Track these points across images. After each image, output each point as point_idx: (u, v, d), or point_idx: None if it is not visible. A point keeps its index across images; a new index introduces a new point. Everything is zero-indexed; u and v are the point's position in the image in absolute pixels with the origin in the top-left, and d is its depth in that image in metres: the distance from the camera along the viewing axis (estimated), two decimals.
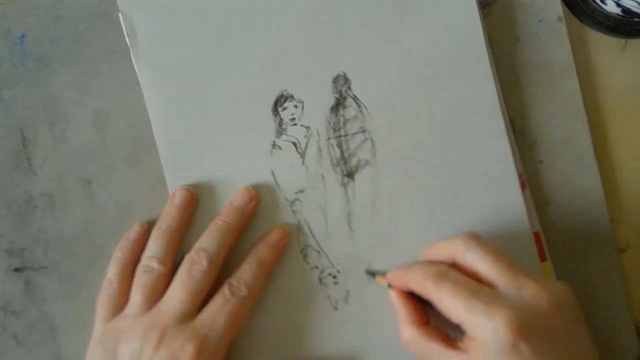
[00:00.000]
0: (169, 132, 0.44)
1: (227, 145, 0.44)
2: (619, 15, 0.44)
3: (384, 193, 0.44)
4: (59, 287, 0.45)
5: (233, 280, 0.41)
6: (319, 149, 0.44)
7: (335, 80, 0.44)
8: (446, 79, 0.44)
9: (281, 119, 0.44)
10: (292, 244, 0.44)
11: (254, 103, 0.44)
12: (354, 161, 0.44)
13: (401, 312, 0.40)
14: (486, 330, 0.35)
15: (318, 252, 0.44)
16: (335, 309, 0.43)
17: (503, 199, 0.43)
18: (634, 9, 0.43)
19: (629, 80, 0.47)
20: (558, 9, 0.46)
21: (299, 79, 0.44)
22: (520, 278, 0.37)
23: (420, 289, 0.39)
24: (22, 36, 0.45)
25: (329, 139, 0.44)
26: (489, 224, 0.43)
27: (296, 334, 0.43)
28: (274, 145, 0.44)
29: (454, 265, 0.39)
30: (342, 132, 0.44)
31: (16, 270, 0.45)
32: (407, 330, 0.40)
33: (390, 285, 0.41)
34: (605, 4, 0.44)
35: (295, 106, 0.44)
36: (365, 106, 0.44)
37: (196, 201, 0.43)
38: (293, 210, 0.44)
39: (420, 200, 0.44)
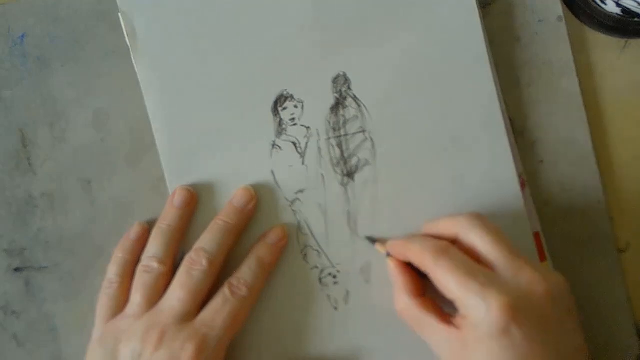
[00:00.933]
0: (169, 132, 0.44)
1: (227, 145, 0.44)
2: (619, 15, 0.44)
3: (384, 193, 0.44)
4: (59, 287, 0.45)
5: (233, 280, 0.41)
6: (319, 148, 0.44)
7: (335, 80, 0.44)
8: (446, 79, 0.44)
9: (281, 119, 0.44)
10: (292, 243, 0.44)
11: (253, 103, 0.44)
12: (354, 161, 0.44)
13: (397, 280, 0.41)
14: (479, 311, 0.35)
15: (318, 252, 0.44)
16: (335, 309, 0.43)
17: (503, 199, 0.43)
18: (634, 9, 0.43)
19: (629, 80, 0.47)
20: (558, 9, 0.46)
21: (299, 78, 0.44)
22: (518, 263, 0.37)
23: (419, 262, 0.39)
24: (22, 36, 0.45)
25: (329, 138, 0.44)
26: None
27: (296, 333, 0.43)
28: (274, 145, 0.44)
29: (455, 243, 0.39)
30: (342, 132, 0.44)
31: (16, 270, 0.45)
32: (403, 299, 0.40)
33: (389, 255, 0.42)
34: (605, 4, 0.44)
35: (295, 106, 0.44)
36: (365, 106, 0.44)
37: (196, 201, 0.43)
38: (293, 210, 0.44)
39: (420, 200, 0.44)
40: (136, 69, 0.44)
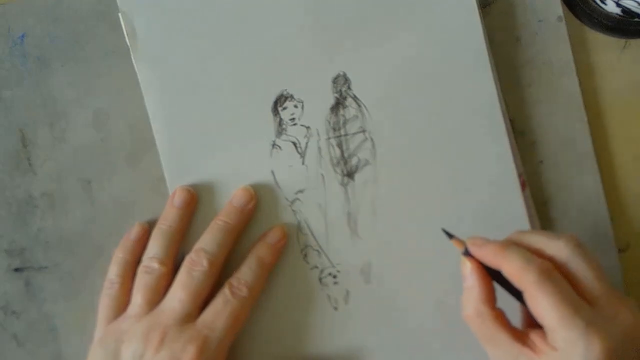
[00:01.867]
0: (169, 132, 0.44)
1: (227, 145, 0.44)
2: (619, 15, 0.44)
3: (384, 193, 0.44)
4: (59, 287, 0.45)
5: (233, 280, 0.41)
6: (319, 148, 0.44)
7: (335, 80, 0.44)
8: (446, 79, 0.44)
9: (281, 119, 0.44)
10: (292, 243, 0.44)
11: (253, 103, 0.44)
12: (354, 161, 0.44)
13: (475, 285, 0.38)
14: (578, 348, 0.34)
15: (318, 251, 0.44)
16: (335, 308, 0.43)
17: (503, 199, 0.43)
18: (634, 9, 0.43)
19: (629, 80, 0.47)
20: (558, 9, 0.46)
21: (299, 78, 0.44)
22: (618, 303, 0.36)
23: (516, 277, 0.36)
24: (22, 36, 0.45)
25: (329, 138, 0.44)
26: (488, 224, 0.43)
27: (296, 333, 0.43)
28: (273, 145, 0.44)
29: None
30: (342, 131, 0.44)
31: (16, 270, 0.45)
32: (476, 306, 0.38)
33: (466, 254, 0.39)
34: (605, 4, 0.44)
35: (295, 106, 0.44)
36: (365, 106, 0.44)
37: (196, 201, 0.43)
38: (293, 210, 0.44)
39: (420, 200, 0.44)
40: (136, 69, 0.44)
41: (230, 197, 0.43)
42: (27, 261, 0.45)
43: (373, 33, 0.44)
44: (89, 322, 0.42)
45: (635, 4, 0.42)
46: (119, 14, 0.44)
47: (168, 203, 0.43)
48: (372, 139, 0.44)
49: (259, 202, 0.44)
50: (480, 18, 0.44)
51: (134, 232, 0.43)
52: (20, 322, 0.45)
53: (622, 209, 0.46)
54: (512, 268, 0.36)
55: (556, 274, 0.36)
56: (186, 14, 0.44)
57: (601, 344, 0.34)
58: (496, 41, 0.46)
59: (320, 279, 0.44)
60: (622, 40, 0.47)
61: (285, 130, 0.44)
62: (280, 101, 0.44)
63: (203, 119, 0.44)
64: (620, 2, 0.43)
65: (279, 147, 0.44)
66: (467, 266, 0.38)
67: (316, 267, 0.44)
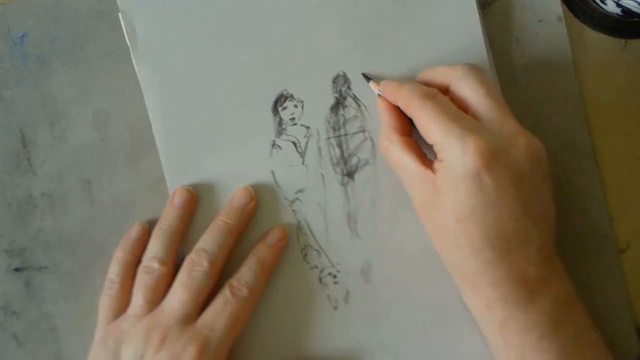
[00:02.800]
0: (169, 132, 0.44)
1: (227, 145, 0.44)
2: (619, 15, 0.44)
3: (383, 192, 0.44)
4: (59, 287, 0.45)
5: (233, 281, 0.41)
6: (319, 148, 0.44)
7: (335, 79, 0.44)
8: None
9: (281, 119, 0.44)
10: (292, 243, 0.44)
11: (253, 103, 0.44)
12: (353, 161, 0.44)
13: (385, 118, 0.41)
14: (456, 154, 0.36)
15: (318, 251, 0.44)
16: (335, 308, 0.43)
17: None
18: (634, 9, 0.43)
19: (629, 80, 0.47)
20: (558, 9, 0.46)
21: (299, 78, 0.44)
22: (505, 117, 0.37)
23: (405, 105, 0.39)
24: (22, 36, 0.45)
25: (329, 138, 0.44)
26: None
27: (296, 333, 0.43)
28: (273, 144, 0.44)
29: (447, 92, 0.39)
30: (342, 131, 0.44)
31: (16, 270, 0.45)
32: (387, 136, 0.40)
33: (380, 95, 0.42)
34: (605, 4, 0.44)
35: (295, 106, 0.44)
36: (365, 106, 0.44)
37: (196, 201, 0.43)
38: (293, 210, 0.44)
39: None
40: (136, 69, 0.44)
41: (231, 197, 0.43)
42: (27, 261, 0.45)
43: (373, 33, 0.44)
44: (89, 322, 0.43)
45: (635, 4, 0.42)
46: (119, 14, 0.44)
47: (168, 203, 0.43)
48: (372, 139, 0.44)
49: (259, 202, 0.44)
50: (480, 18, 0.44)
51: (134, 232, 0.43)
52: (20, 322, 0.45)
53: (622, 209, 0.46)
54: (402, 98, 0.39)
55: (440, 95, 0.38)
56: (186, 14, 0.44)
57: (477, 144, 0.35)
58: (496, 41, 0.46)
59: (320, 279, 0.44)
60: (622, 40, 0.47)
61: (285, 130, 0.44)
62: (280, 101, 0.44)
63: (203, 119, 0.44)
64: (620, 2, 0.43)
65: (279, 146, 0.44)
66: (379, 104, 0.42)
67: (316, 266, 0.44)
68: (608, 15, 0.45)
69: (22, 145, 0.45)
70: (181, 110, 0.44)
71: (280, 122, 0.44)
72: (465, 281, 0.39)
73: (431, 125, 0.37)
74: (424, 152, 0.40)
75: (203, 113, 0.44)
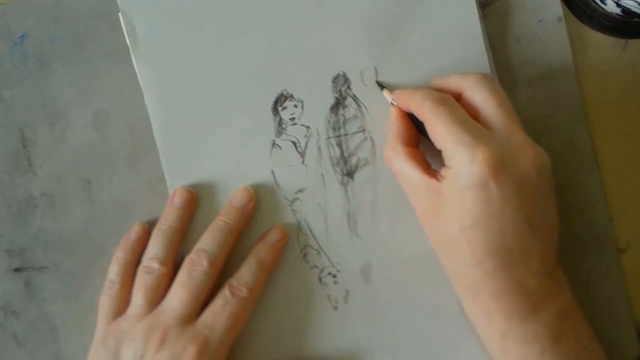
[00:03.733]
0: (169, 132, 0.44)
1: (227, 145, 0.44)
2: (619, 15, 0.44)
3: (383, 192, 0.44)
4: (59, 287, 0.45)
5: (233, 281, 0.41)
6: (319, 148, 0.44)
7: (335, 79, 0.44)
8: None
9: (281, 119, 0.44)
10: (292, 243, 0.44)
11: (253, 102, 0.44)
12: (353, 160, 0.44)
13: (394, 127, 0.41)
14: (464, 162, 0.36)
15: (318, 251, 0.44)
16: (335, 308, 0.43)
17: None
18: (634, 9, 0.43)
19: (629, 80, 0.47)
20: (558, 9, 0.46)
21: (299, 78, 0.44)
22: (514, 127, 0.37)
23: (418, 110, 0.39)
24: (22, 36, 0.45)
25: (329, 138, 0.44)
26: None
27: (296, 333, 0.43)
28: (273, 144, 0.44)
29: (459, 100, 0.39)
30: (342, 131, 0.44)
31: (16, 270, 0.45)
32: (393, 146, 0.40)
33: (393, 103, 0.42)
34: (605, 4, 0.44)
35: (295, 105, 0.44)
36: (365, 106, 0.44)
37: (196, 201, 0.43)
38: (293, 210, 0.44)
39: None
40: (136, 69, 0.44)
41: (230, 197, 0.43)
42: (27, 261, 0.45)
43: (373, 33, 0.44)
44: (89, 322, 0.42)
45: (635, 4, 0.42)
46: (119, 14, 0.44)
47: (168, 203, 0.43)
48: (371, 139, 0.44)
49: (258, 202, 0.44)
50: (480, 18, 0.44)
51: (134, 232, 0.43)
52: (20, 322, 0.45)
53: (622, 209, 0.46)
54: (415, 104, 0.39)
55: (453, 102, 0.38)
56: (186, 14, 0.44)
57: (485, 154, 0.35)
58: (496, 41, 0.46)
59: (320, 279, 0.44)
60: (622, 40, 0.47)
61: (285, 130, 0.44)
62: (280, 101, 0.44)
63: (203, 118, 0.44)
64: (620, 2, 0.43)
65: (279, 146, 0.44)
66: (391, 112, 0.42)
67: (316, 266, 0.44)
68: (608, 15, 0.45)
69: (22, 145, 0.45)
70: (181, 110, 0.44)
71: (280, 122, 0.44)
72: (466, 291, 0.39)
73: (442, 131, 0.37)
74: (428, 163, 0.40)
75: (203, 113, 0.44)
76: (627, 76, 0.47)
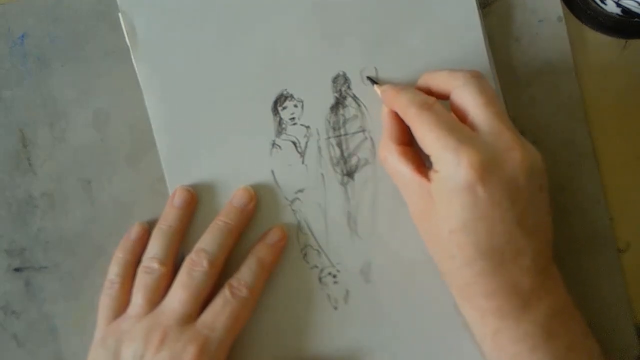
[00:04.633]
0: (169, 132, 0.44)
1: (227, 145, 0.44)
2: (619, 15, 0.44)
3: (383, 192, 0.44)
4: (59, 287, 0.45)
5: (233, 281, 0.41)
6: (319, 148, 0.44)
7: (335, 79, 0.44)
8: None
9: (281, 119, 0.44)
10: (292, 243, 0.44)
11: (253, 102, 0.44)
12: (353, 160, 0.44)
13: (386, 126, 0.41)
14: (450, 166, 0.36)
15: (318, 251, 0.44)
16: (335, 308, 0.43)
17: None
18: (634, 9, 0.43)
19: (629, 80, 0.47)
20: (558, 9, 0.46)
21: (299, 78, 0.44)
22: (503, 127, 0.37)
23: (403, 114, 0.39)
24: (22, 36, 0.45)
25: (329, 138, 0.44)
26: None
27: (296, 333, 0.43)
28: (273, 144, 0.44)
29: (447, 98, 0.39)
30: (342, 131, 0.44)
31: (16, 270, 0.45)
32: (386, 145, 0.40)
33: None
34: (605, 4, 0.44)
35: (295, 105, 0.44)
36: (365, 105, 0.44)
37: (196, 201, 0.43)
38: (293, 210, 0.44)
39: None
40: (136, 69, 0.44)
41: (230, 197, 0.43)
42: (27, 261, 0.45)
43: (373, 33, 0.44)
44: (89, 322, 0.42)
45: (635, 4, 0.42)
46: (119, 14, 0.44)
47: (168, 203, 0.43)
48: (371, 139, 0.44)
49: (258, 202, 0.44)
50: (480, 18, 0.44)
51: (134, 232, 0.43)
52: (20, 322, 0.45)
53: (622, 209, 0.46)
54: (400, 107, 0.39)
55: (438, 105, 0.38)
56: (186, 14, 0.44)
57: (470, 157, 0.35)
58: (496, 41, 0.46)
59: (320, 279, 0.44)
60: (622, 40, 0.47)
61: (285, 130, 0.44)
62: (280, 101, 0.44)
63: (203, 118, 0.44)
64: (620, 2, 0.43)
65: (279, 146, 0.44)
66: (383, 110, 0.41)
67: (316, 266, 0.44)
68: (608, 15, 0.45)
69: (22, 145, 0.45)
70: (181, 110, 0.44)
71: (280, 122, 0.44)
72: (459, 291, 0.39)
73: (427, 136, 0.37)
74: (422, 161, 0.40)
75: (203, 113, 0.44)
76: (627, 76, 0.47)
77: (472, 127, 0.37)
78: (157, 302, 0.41)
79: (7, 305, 0.45)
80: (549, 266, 0.38)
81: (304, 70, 0.44)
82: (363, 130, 0.44)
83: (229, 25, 0.44)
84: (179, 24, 0.44)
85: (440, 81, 0.40)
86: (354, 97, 0.44)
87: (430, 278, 0.43)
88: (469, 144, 0.36)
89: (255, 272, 0.42)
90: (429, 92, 0.40)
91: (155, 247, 0.42)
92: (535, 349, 0.37)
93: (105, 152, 0.45)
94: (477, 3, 0.44)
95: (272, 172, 0.44)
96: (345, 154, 0.44)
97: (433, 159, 0.37)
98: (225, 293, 0.41)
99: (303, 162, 0.44)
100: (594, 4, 0.45)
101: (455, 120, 0.37)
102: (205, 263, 0.41)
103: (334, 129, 0.44)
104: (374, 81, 0.43)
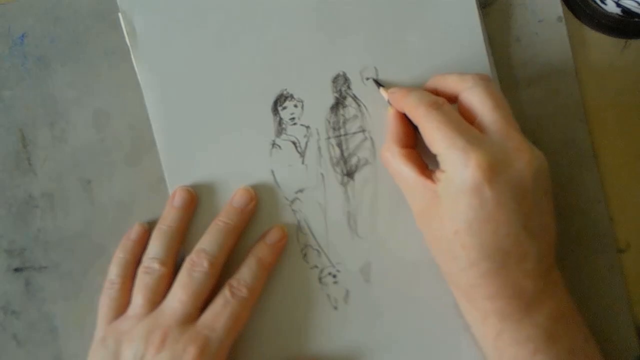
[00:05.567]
0: (169, 132, 0.44)
1: (227, 145, 0.44)
2: (619, 15, 0.44)
3: (383, 192, 0.44)
4: (59, 287, 0.45)
5: (233, 281, 0.41)
6: (319, 148, 0.44)
7: (335, 79, 0.44)
8: None
9: (281, 119, 0.44)
10: (292, 243, 0.44)
11: (253, 102, 0.44)
12: (353, 160, 0.44)
13: (391, 127, 0.41)
14: (458, 166, 0.36)
15: (318, 251, 0.44)
16: (335, 308, 0.43)
17: None
18: (634, 9, 0.43)
19: (629, 81, 0.47)
20: (558, 9, 0.46)
21: (299, 78, 0.44)
22: (510, 130, 0.37)
23: (412, 114, 0.39)
24: (22, 36, 0.45)
25: (329, 138, 0.44)
26: None
27: (296, 333, 0.43)
28: (273, 144, 0.44)
29: (455, 100, 0.39)
30: (342, 131, 0.44)
31: (16, 270, 0.45)
32: (389, 147, 0.40)
33: (390, 103, 0.42)
34: (605, 4, 0.44)
35: (295, 105, 0.44)
36: (365, 105, 0.44)
37: (196, 202, 0.43)
38: (293, 210, 0.44)
39: None
40: (136, 69, 0.44)
41: (230, 198, 0.43)
42: (27, 261, 0.45)
43: (373, 33, 0.44)
44: (89, 322, 0.42)
45: (635, 4, 0.42)
46: (119, 14, 0.44)
47: (168, 203, 0.43)
48: (371, 139, 0.44)
49: (259, 202, 0.44)
50: (480, 18, 0.44)
51: (134, 232, 0.43)
52: (20, 322, 0.45)
53: (622, 209, 0.46)
54: (409, 106, 0.39)
55: (446, 105, 0.38)
56: (186, 14, 0.44)
57: (479, 158, 0.35)
58: (496, 41, 0.46)
59: (320, 279, 0.44)
60: (622, 40, 0.47)
61: (285, 130, 0.44)
62: (280, 101, 0.44)
63: (203, 119, 0.44)
64: (620, 2, 0.43)
65: (279, 146, 0.44)
66: (389, 112, 0.42)
67: (316, 266, 0.44)
68: (608, 15, 0.45)
69: (22, 145, 0.45)
70: (181, 110, 0.44)
71: (280, 122, 0.44)
72: (461, 292, 0.39)
73: (435, 136, 0.37)
74: (425, 163, 0.40)
75: (203, 113, 0.44)
76: (627, 76, 0.47)
77: (479, 128, 0.37)
78: (158, 303, 0.41)
79: (7, 305, 0.45)
80: (551, 270, 0.38)
81: (304, 70, 0.44)
82: (363, 131, 0.44)
83: (229, 25, 0.44)
84: (179, 23, 0.44)
85: (449, 83, 0.40)
86: (354, 97, 0.44)
87: (430, 278, 0.43)
88: (478, 144, 0.36)
89: (255, 272, 0.42)
90: (436, 94, 0.40)
91: (155, 248, 0.42)
92: (537, 352, 0.37)
93: (105, 152, 0.45)
94: (477, 3, 0.44)
95: (272, 172, 0.44)
96: (345, 154, 0.44)
97: (440, 158, 0.37)
98: (225, 293, 0.41)
99: (303, 162, 0.44)
100: (594, 4, 0.45)
101: (464, 121, 0.37)
102: (205, 263, 0.41)
103: (334, 129, 0.44)
104: (379, 84, 0.43)
